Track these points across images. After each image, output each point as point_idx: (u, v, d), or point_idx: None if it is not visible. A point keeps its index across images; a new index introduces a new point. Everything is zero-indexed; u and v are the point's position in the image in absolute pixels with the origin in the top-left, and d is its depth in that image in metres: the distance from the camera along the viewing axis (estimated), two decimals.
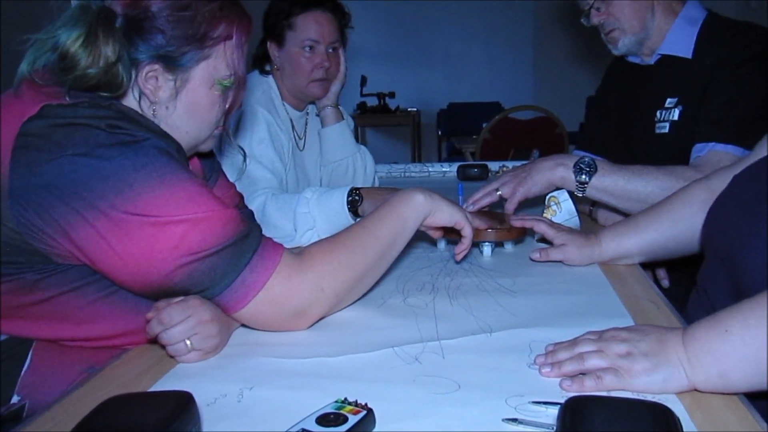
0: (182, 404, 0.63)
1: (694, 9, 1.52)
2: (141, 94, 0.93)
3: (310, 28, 1.67)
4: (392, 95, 5.43)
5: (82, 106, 0.85)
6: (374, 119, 5.52)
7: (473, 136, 4.17)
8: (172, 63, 0.92)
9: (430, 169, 2.37)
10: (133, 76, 0.92)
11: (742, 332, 0.69)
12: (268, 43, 1.71)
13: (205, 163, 1.17)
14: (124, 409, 0.63)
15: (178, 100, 0.95)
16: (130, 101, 0.93)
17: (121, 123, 0.85)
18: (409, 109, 5.58)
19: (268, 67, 1.74)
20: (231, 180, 1.26)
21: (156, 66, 0.92)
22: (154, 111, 0.94)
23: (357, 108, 5.42)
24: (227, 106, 1.02)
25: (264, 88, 1.70)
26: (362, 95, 5.34)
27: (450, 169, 2.35)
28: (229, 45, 0.97)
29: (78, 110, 0.84)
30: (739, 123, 1.35)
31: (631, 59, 1.63)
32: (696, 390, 0.71)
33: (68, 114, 0.84)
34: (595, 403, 0.61)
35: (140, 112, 0.93)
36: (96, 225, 0.82)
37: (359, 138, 5.54)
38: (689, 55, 1.48)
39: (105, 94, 0.89)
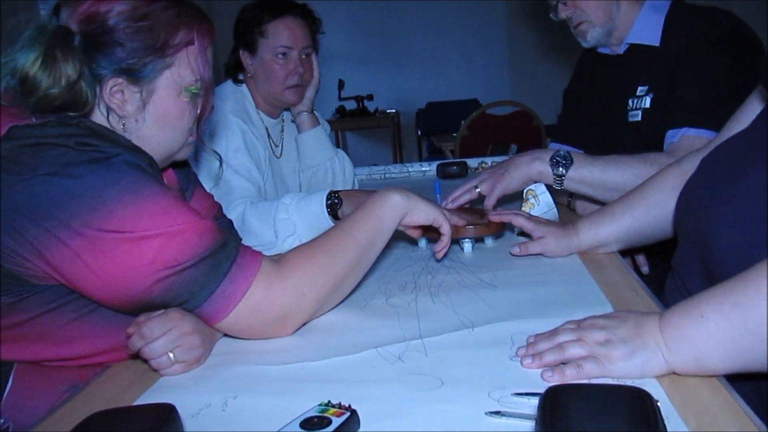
0: (164, 416, 0.63)
1: None
2: (108, 109, 0.93)
3: (282, 34, 1.67)
4: (370, 98, 5.44)
5: (49, 125, 0.85)
6: (354, 122, 5.52)
7: (453, 134, 4.19)
8: (135, 75, 0.92)
9: (410, 169, 2.38)
10: (98, 92, 0.91)
11: (716, 318, 0.69)
12: (240, 52, 1.71)
13: (181, 175, 1.17)
14: (106, 425, 0.63)
15: (147, 112, 0.95)
16: (98, 117, 0.93)
17: (89, 140, 0.84)
18: (387, 111, 5.59)
19: (241, 76, 1.74)
20: (208, 186, 1.26)
21: (119, 80, 0.91)
22: (123, 125, 0.94)
23: (336, 112, 5.41)
24: (198, 112, 1.01)
25: (237, 98, 1.70)
26: (340, 99, 5.34)
27: (429, 168, 2.36)
28: (191, 51, 0.96)
29: (46, 129, 0.84)
30: (710, 106, 1.37)
31: (600, 50, 1.65)
32: (674, 373, 0.72)
33: (36, 134, 0.83)
34: (573, 391, 0.61)
35: (110, 127, 0.92)
36: (71, 244, 0.81)
37: (339, 142, 5.55)
38: (657, 43, 1.50)
39: (72, 114, 0.89)
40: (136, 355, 0.87)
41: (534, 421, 0.65)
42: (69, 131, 0.85)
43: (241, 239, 0.95)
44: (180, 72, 0.95)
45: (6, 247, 0.82)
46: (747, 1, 4.09)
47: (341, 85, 5.27)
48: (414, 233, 1.18)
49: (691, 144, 1.32)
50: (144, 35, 0.91)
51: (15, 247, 0.82)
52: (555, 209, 1.39)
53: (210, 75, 1.00)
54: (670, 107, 1.43)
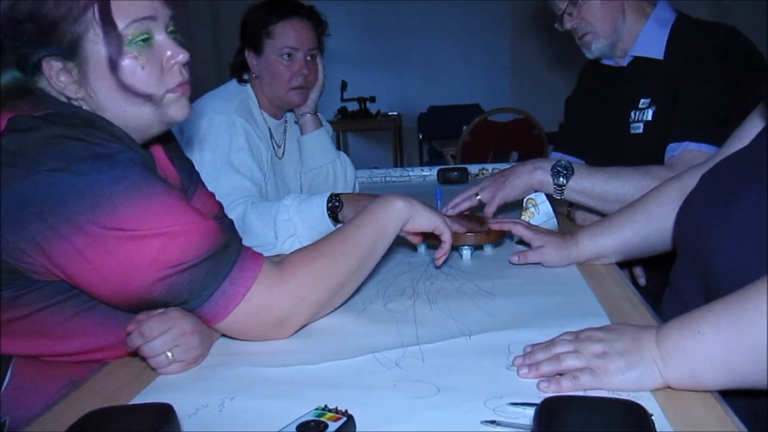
0: (162, 416, 0.63)
1: (664, 10, 1.55)
2: (66, 97, 0.90)
3: (288, 35, 1.68)
4: (373, 100, 5.44)
5: (50, 117, 0.84)
6: (355, 124, 5.53)
7: (455, 139, 4.20)
8: (62, 50, 0.88)
9: (411, 174, 2.38)
10: (47, 78, 0.89)
11: (713, 334, 0.70)
12: (246, 52, 1.72)
13: (184, 174, 1.17)
14: (104, 423, 0.63)
15: (96, 83, 0.90)
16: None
17: (93, 132, 0.84)
18: (389, 113, 5.59)
19: (245, 76, 1.75)
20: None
21: (53, 62, 0.88)
22: (82, 106, 0.91)
23: (338, 113, 5.42)
24: (164, 59, 0.93)
25: (242, 98, 1.70)
26: (343, 100, 5.35)
27: (430, 173, 2.36)
28: (101, 3, 0.87)
29: (49, 120, 0.84)
30: (711, 121, 1.38)
31: (604, 61, 1.66)
32: (670, 387, 0.73)
33: (41, 127, 0.83)
34: (569, 403, 0.62)
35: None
36: (73, 241, 0.81)
37: (340, 143, 5.55)
38: (661, 56, 1.51)
39: (67, 101, 0.89)
40: (135, 353, 0.87)
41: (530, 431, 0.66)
42: (73, 122, 0.85)
43: (242, 240, 0.95)
44: (102, 29, 0.88)
45: (8, 242, 0.82)
46: (751, 16, 4.11)
47: (344, 86, 5.28)
48: (414, 239, 1.19)
49: (692, 158, 1.33)
50: (45, 8, 0.86)
51: (17, 242, 0.82)
52: (555, 219, 1.40)
53: (144, 14, 0.90)
54: (672, 121, 1.44)
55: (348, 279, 0.98)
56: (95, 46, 0.88)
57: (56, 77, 0.89)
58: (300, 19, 1.69)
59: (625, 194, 1.33)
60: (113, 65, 0.89)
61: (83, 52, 0.88)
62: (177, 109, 0.96)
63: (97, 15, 0.87)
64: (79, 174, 0.81)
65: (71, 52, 0.88)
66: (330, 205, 1.42)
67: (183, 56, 0.95)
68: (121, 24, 0.89)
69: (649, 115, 1.52)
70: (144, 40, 0.91)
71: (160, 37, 0.93)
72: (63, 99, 0.91)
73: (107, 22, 0.88)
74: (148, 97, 0.92)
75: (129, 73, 0.90)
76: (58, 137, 0.83)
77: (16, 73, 0.88)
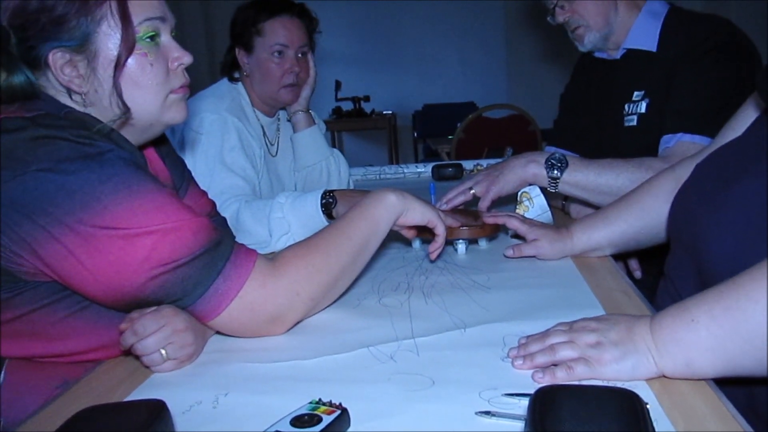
0: (155, 413, 0.63)
1: (656, 3, 1.55)
2: (68, 90, 0.90)
3: (279, 33, 1.68)
4: (367, 99, 5.44)
5: (40, 117, 0.84)
6: (350, 123, 5.52)
7: (449, 137, 4.19)
8: (72, 42, 0.87)
9: (405, 171, 2.38)
10: (49, 75, 0.89)
11: (707, 322, 0.70)
12: (237, 50, 1.71)
13: (175, 172, 1.16)
14: (96, 420, 0.63)
15: (102, 78, 0.90)
16: (68, 102, 0.91)
17: (83, 132, 0.84)
18: (384, 112, 5.59)
19: (237, 74, 1.74)
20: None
21: (58, 53, 0.88)
22: (85, 101, 0.91)
23: (332, 113, 5.42)
24: (169, 59, 0.95)
25: (233, 96, 1.70)
26: (337, 100, 5.35)
27: (425, 170, 2.36)
28: (119, 1, 0.89)
29: (37, 121, 0.83)
30: (705, 113, 1.38)
31: (598, 55, 1.66)
32: (664, 376, 0.73)
33: (29, 127, 0.82)
34: (563, 393, 0.62)
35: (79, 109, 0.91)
36: (64, 241, 0.80)
37: (336, 143, 5.55)
38: (654, 49, 1.51)
39: (63, 100, 0.89)
40: (128, 352, 0.87)
41: (524, 422, 0.65)
42: (60, 123, 0.84)
43: (235, 237, 0.95)
44: (114, 24, 0.89)
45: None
46: (744, 8, 4.11)
47: (338, 85, 5.28)
48: (408, 234, 1.18)
49: (686, 150, 1.33)
50: (58, 1, 0.86)
51: (8, 244, 0.81)
52: (549, 212, 1.40)
53: (156, 14, 0.92)
54: (665, 113, 1.44)
55: (342, 274, 0.98)
56: (107, 40, 0.89)
57: (61, 70, 0.89)
58: (290, 16, 1.69)
59: (620, 186, 1.33)
60: (124, 60, 0.90)
61: (93, 47, 0.89)
62: (177, 111, 0.98)
63: (114, 9, 0.88)
64: (68, 173, 0.81)
65: (81, 45, 0.88)
66: (324, 201, 1.41)
67: (188, 58, 0.97)
68: (134, 21, 0.90)
69: (642, 107, 1.52)
70: (152, 38, 0.92)
71: (167, 38, 0.95)
72: (65, 94, 0.91)
73: (124, 17, 0.89)
74: (158, 94, 0.94)
75: (138, 70, 0.92)
76: (47, 137, 0.82)
77: (29, 75, 0.88)
